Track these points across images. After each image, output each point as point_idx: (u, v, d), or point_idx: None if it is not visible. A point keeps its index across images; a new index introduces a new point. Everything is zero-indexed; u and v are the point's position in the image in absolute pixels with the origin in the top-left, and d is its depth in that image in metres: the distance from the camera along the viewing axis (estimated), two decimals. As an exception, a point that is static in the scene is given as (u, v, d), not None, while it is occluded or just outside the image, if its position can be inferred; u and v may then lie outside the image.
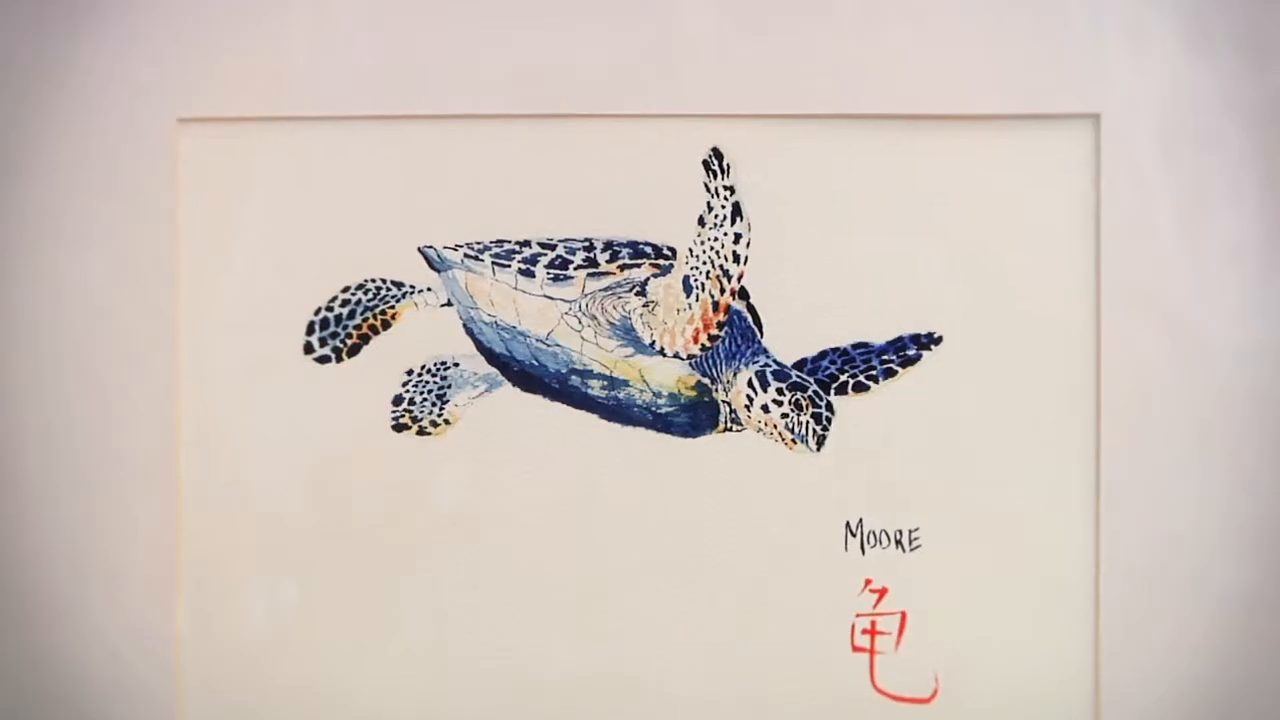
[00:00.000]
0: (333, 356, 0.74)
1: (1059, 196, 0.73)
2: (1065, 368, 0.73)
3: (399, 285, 0.74)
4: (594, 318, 0.73)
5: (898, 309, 0.74)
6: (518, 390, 0.74)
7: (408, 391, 0.74)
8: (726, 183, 0.71)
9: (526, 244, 0.73)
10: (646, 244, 0.73)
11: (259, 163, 0.73)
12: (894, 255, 0.74)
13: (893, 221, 0.74)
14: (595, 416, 0.73)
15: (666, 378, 0.73)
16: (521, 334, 0.73)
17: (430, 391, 0.74)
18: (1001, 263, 0.74)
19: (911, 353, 0.73)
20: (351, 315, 0.73)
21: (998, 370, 0.74)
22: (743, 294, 0.73)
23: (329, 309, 0.74)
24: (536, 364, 0.73)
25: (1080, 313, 0.73)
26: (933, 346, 0.73)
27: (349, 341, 0.74)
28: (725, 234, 0.71)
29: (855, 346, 0.73)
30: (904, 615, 0.74)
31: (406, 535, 0.74)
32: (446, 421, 0.74)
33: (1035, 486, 0.74)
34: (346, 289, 0.74)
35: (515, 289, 0.73)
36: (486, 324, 0.74)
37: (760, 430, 0.73)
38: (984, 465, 0.74)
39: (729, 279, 0.71)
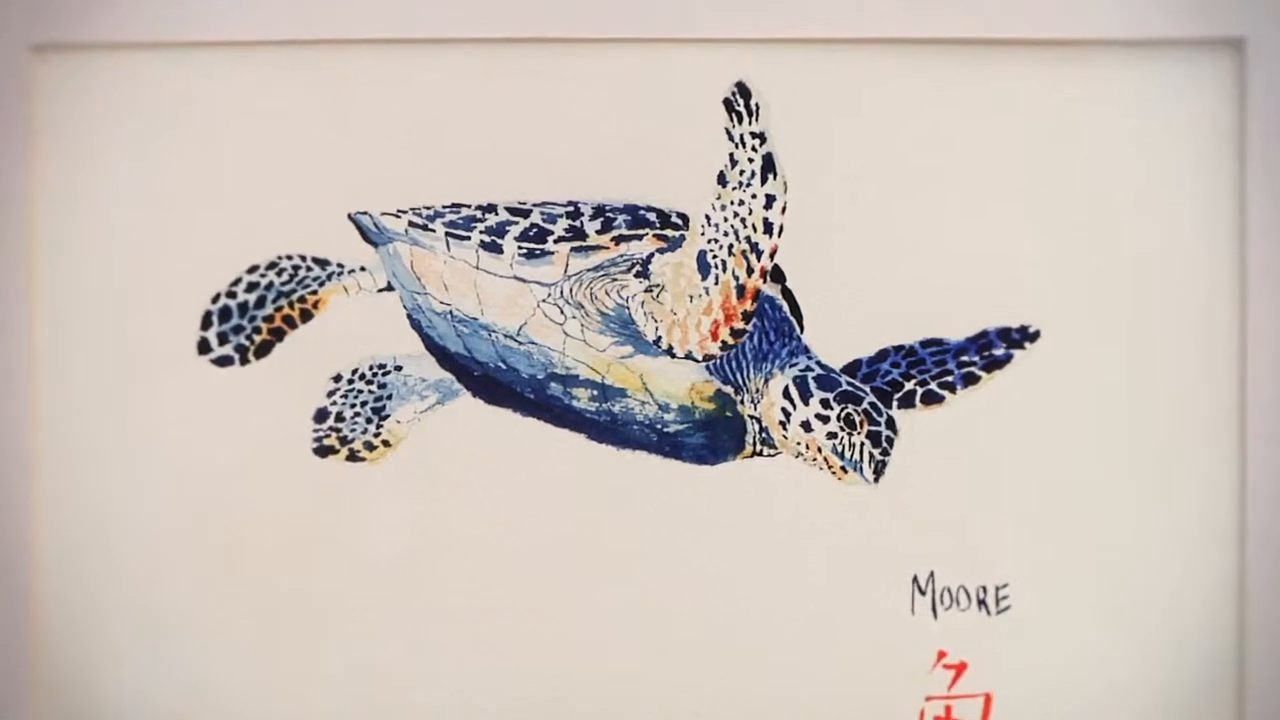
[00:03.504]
0: (236, 357, 0.70)
1: (1193, 144, 0.69)
2: (1202, 370, 0.69)
3: (323, 264, 0.70)
4: (581, 306, 0.69)
5: (981, 294, 0.69)
6: (480, 402, 0.70)
7: (335, 404, 0.70)
8: (755, 128, 0.66)
9: (491, 209, 0.69)
10: (649, 209, 0.69)
11: (136, 101, 0.69)
12: (976, 224, 0.69)
13: (975, 179, 0.69)
14: (582, 437, 0.69)
15: (676, 386, 0.69)
16: (485, 328, 0.69)
17: (364, 404, 0.70)
18: (1118, 232, 0.69)
19: (999, 352, 0.69)
20: (261, 303, 0.70)
21: (1112, 375, 0.69)
22: (776, 275, 0.69)
23: (231, 295, 0.70)
24: (504, 367, 0.70)
25: (1221, 296, 0.69)
26: (1027, 344, 0.69)
27: (257, 338, 0.70)
28: (753, 196, 0.65)
29: (925, 344, 0.69)
30: (988, 699, 0.69)
31: (333, 592, 0.70)
32: (385, 443, 0.70)
33: (1164, 529, 0.69)
34: (254, 269, 0.70)
35: (476, 268, 0.69)
36: (438, 315, 0.70)
37: (800, 455, 0.68)
38: (1094, 501, 0.69)
39: (758, 255, 0.65)
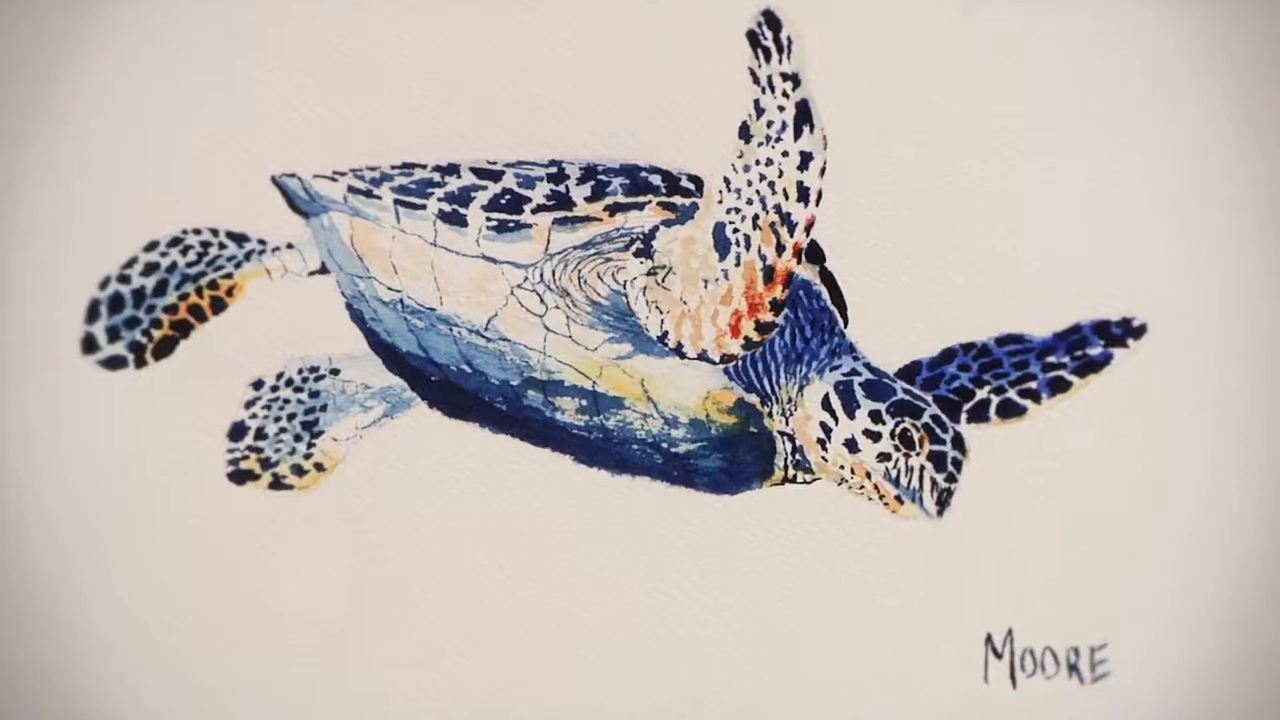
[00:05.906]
0: (130, 357, 0.66)
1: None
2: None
3: (240, 240, 0.66)
4: (566, 293, 0.64)
5: (1071, 279, 0.64)
6: (438, 414, 0.66)
7: (255, 417, 0.66)
8: (787, 68, 0.59)
9: (453, 170, 0.65)
10: (653, 170, 0.64)
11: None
12: (1065, 191, 0.64)
13: (1063, 135, 0.64)
14: (568, 459, 0.65)
15: (686, 394, 0.63)
16: (444, 320, 0.65)
17: (292, 418, 0.67)
18: (1241, 205, 0.63)
19: (1095, 352, 0.65)
20: (161, 290, 0.66)
21: (1236, 381, 0.64)
22: (813, 254, 0.64)
23: (124, 280, 0.66)
24: (469, 371, 0.65)
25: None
26: (1130, 341, 0.64)
27: (157, 333, 0.66)
28: (785, 154, 0.59)
29: (1002, 342, 0.65)
30: (1082, 791, 0.65)
31: (249, 657, 0.65)
32: (319, 467, 0.66)
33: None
34: (153, 246, 0.66)
35: (434, 245, 0.64)
36: (385, 304, 0.66)
37: (844, 481, 0.63)
38: (1216, 540, 0.64)
39: (791, 228, 0.59)
